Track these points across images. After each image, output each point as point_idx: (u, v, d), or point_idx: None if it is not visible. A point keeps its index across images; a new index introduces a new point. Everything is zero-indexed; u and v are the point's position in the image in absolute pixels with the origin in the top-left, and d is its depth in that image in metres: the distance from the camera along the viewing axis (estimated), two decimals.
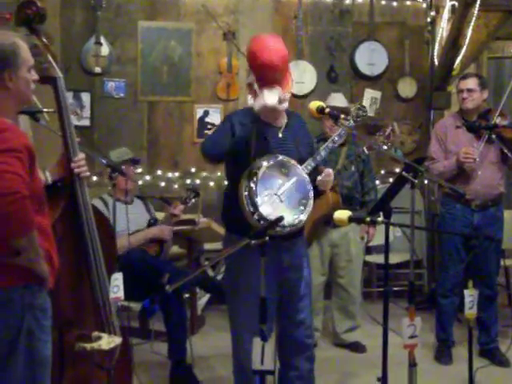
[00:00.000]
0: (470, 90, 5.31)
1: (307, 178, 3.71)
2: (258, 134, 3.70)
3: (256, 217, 3.52)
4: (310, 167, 3.76)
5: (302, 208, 3.67)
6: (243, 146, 3.62)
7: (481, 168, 5.23)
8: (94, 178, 6.79)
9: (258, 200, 3.52)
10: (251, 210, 3.53)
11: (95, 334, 3.28)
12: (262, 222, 3.47)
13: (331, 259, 5.60)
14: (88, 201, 3.42)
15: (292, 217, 3.62)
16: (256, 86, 3.66)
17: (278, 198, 3.60)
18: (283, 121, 3.85)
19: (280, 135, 3.80)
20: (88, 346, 3.22)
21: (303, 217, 3.67)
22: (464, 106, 5.35)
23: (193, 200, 5.47)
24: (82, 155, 3.42)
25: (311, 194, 3.72)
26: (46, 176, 3.34)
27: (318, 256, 5.53)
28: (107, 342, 3.25)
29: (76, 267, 3.40)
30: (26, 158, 2.69)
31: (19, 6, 3.27)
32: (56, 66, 3.37)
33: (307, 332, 4.00)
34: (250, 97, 3.79)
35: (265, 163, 3.59)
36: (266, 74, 3.64)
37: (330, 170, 3.82)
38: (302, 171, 3.70)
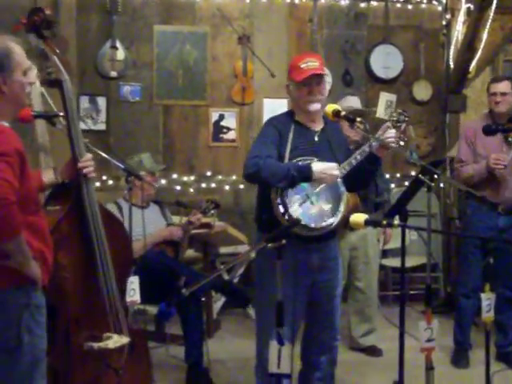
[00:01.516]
0: (503, 94, 5.28)
1: (340, 181, 3.72)
2: (295, 136, 3.74)
3: (286, 217, 3.55)
4: (344, 171, 3.75)
5: (333, 211, 3.69)
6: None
7: (511, 174, 5.19)
8: (110, 182, 6.83)
9: (288, 201, 3.56)
10: (282, 211, 3.57)
11: (106, 334, 3.31)
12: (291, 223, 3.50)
13: (349, 262, 5.58)
14: (95, 201, 3.46)
15: (322, 219, 3.64)
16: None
17: (309, 200, 3.63)
18: (320, 125, 3.88)
19: (316, 138, 3.84)
20: (95, 345, 3.26)
21: (333, 220, 3.69)
22: (497, 109, 5.30)
23: (212, 211, 5.48)
24: (89, 156, 3.49)
25: (344, 197, 3.73)
26: (56, 176, 3.41)
27: None
28: (114, 341, 3.28)
29: (83, 266, 3.43)
30: (16, 162, 2.73)
31: (29, 13, 3.36)
32: (63, 70, 3.44)
33: (334, 334, 4.02)
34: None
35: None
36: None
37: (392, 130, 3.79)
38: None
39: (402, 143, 3.84)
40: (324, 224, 3.67)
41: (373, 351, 5.67)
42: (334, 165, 3.69)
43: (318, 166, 3.64)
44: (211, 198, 6.05)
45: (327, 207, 3.70)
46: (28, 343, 2.82)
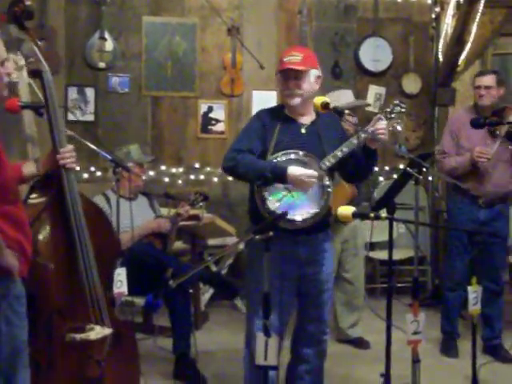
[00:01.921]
0: (487, 87, 5.32)
1: (324, 173, 3.71)
2: (281, 129, 3.74)
3: (266, 210, 3.56)
4: (328, 163, 3.73)
5: (316, 203, 3.68)
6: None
7: (494, 167, 5.24)
8: (98, 173, 6.81)
9: (267, 194, 3.56)
10: (260, 203, 3.58)
11: (89, 325, 3.32)
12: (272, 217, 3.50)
13: (339, 254, 5.58)
14: (76, 192, 3.45)
15: (304, 211, 3.64)
16: None
17: (290, 193, 3.62)
18: (310, 118, 3.88)
19: (303, 131, 3.83)
20: (77, 336, 3.26)
21: (315, 211, 3.67)
22: (481, 102, 5.35)
23: (200, 203, 5.48)
24: (69, 147, 3.48)
25: (329, 189, 3.73)
26: (37, 168, 3.40)
27: None
28: (96, 332, 3.29)
29: (65, 257, 3.43)
30: None
31: (9, 4, 3.36)
32: (43, 60, 3.44)
33: (323, 327, 4.02)
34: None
35: (278, 159, 3.64)
36: None
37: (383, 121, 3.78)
38: (318, 167, 3.70)
39: (399, 128, 3.84)
40: (306, 216, 3.66)
41: (360, 343, 5.68)
42: (311, 173, 3.65)
43: (293, 170, 3.61)
44: (200, 189, 6.06)
45: (310, 200, 3.69)
46: (6, 334, 2.80)
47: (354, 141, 3.77)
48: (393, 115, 3.82)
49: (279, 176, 3.59)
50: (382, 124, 3.72)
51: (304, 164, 3.67)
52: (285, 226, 3.58)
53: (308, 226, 3.70)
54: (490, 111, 5.32)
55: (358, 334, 5.74)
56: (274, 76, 4.06)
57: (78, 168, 3.57)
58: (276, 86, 4.00)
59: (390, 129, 3.86)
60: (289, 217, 3.53)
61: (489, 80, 5.34)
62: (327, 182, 3.73)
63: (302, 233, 3.73)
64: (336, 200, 4.39)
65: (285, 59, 3.80)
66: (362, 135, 3.75)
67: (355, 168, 3.87)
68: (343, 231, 5.52)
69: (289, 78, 3.78)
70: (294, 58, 3.79)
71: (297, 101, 3.79)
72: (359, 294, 5.74)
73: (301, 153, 3.70)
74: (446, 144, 5.48)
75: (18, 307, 2.87)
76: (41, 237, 3.30)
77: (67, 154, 3.45)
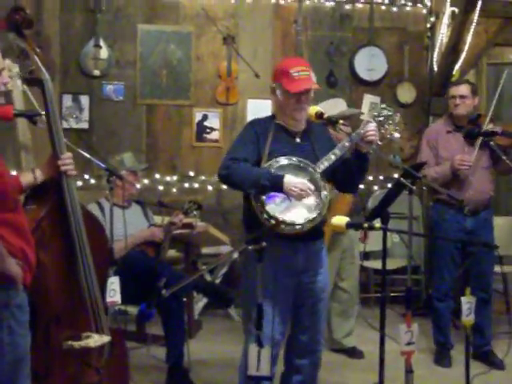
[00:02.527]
0: (462, 97, 5.39)
1: (319, 177, 3.70)
2: (274, 138, 3.72)
3: (265, 216, 3.54)
4: (323, 166, 3.73)
5: (313, 208, 3.67)
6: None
7: (474, 174, 5.28)
8: (92, 181, 6.81)
9: (265, 199, 3.54)
10: (259, 209, 3.55)
11: (85, 333, 3.31)
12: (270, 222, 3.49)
13: (338, 264, 5.57)
14: (76, 199, 3.45)
15: (302, 216, 3.62)
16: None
17: (286, 197, 3.61)
18: (302, 126, 3.87)
19: (298, 140, 3.83)
20: (76, 344, 3.26)
21: (313, 215, 3.65)
22: (456, 111, 5.42)
23: (194, 212, 5.46)
24: (68, 154, 3.49)
25: (325, 194, 3.72)
26: (35, 175, 3.40)
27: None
28: (95, 340, 3.28)
29: (65, 265, 3.43)
30: None
31: (9, 12, 3.37)
32: (44, 69, 3.44)
33: (317, 337, 4.01)
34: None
35: (275, 164, 3.62)
36: None
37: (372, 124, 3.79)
38: (314, 170, 3.69)
39: (397, 135, 3.85)
40: (305, 220, 3.64)
41: (354, 353, 5.67)
42: (306, 184, 3.65)
43: (290, 179, 3.60)
44: (193, 198, 6.05)
45: (308, 204, 3.67)
46: (9, 343, 2.79)
47: (346, 143, 3.78)
48: (381, 118, 3.84)
49: (275, 184, 3.58)
50: (372, 126, 3.74)
51: (299, 168, 3.67)
52: (284, 230, 3.56)
53: (305, 233, 3.68)
54: (466, 120, 5.38)
55: (352, 343, 5.73)
56: (268, 85, 4.00)
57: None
58: (273, 96, 3.91)
59: (388, 136, 3.87)
60: (288, 220, 3.52)
61: (463, 90, 5.41)
62: (325, 191, 3.72)
63: (299, 241, 3.72)
64: (337, 210, 4.40)
65: (295, 74, 3.73)
66: (354, 138, 3.75)
67: (347, 175, 3.86)
68: (342, 241, 5.51)
69: (301, 93, 3.77)
70: (305, 74, 3.77)
71: (304, 114, 3.79)
72: (354, 303, 5.74)
73: (295, 158, 3.69)
74: (425, 155, 5.52)
75: (20, 316, 2.86)
76: (41, 245, 3.29)
77: (67, 161, 3.46)
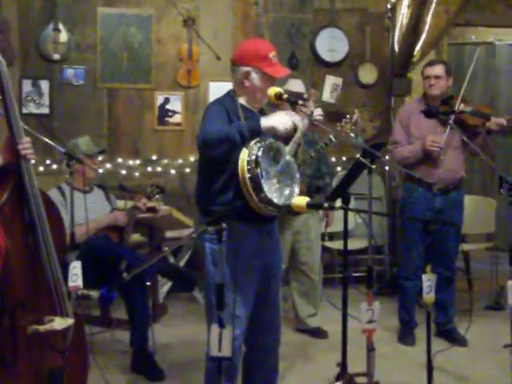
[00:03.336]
0: (437, 77, 5.42)
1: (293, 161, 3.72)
2: (244, 119, 3.69)
3: (262, 195, 3.48)
4: (293, 148, 3.74)
5: (294, 185, 3.67)
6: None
7: (445, 153, 5.31)
8: (54, 166, 6.76)
9: (264, 183, 3.50)
10: (255, 193, 3.49)
11: (48, 317, 3.29)
12: (265, 205, 3.49)
13: (292, 246, 5.61)
14: (35, 183, 3.41)
15: (285, 197, 3.61)
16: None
17: (275, 179, 3.59)
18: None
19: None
20: (41, 327, 3.24)
21: (297, 191, 3.66)
22: (430, 92, 5.45)
23: (157, 196, 5.44)
24: (27, 139, 3.43)
25: (297, 174, 3.72)
26: None
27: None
28: (59, 323, 3.27)
29: (26, 250, 3.40)
30: None
31: None
32: None
33: (279, 314, 4.05)
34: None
35: (259, 145, 3.57)
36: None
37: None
38: (286, 151, 3.69)
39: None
40: (289, 199, 3.62)
41: (318, 333, 5.71)
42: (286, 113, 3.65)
43: (265, 121, 3.57)
44: (156, 182, 6.03)
45: (287, 184, 3.67)
46: None
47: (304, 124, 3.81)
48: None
49: (255, 120, 3.56)
50: (318, 111, 3.94)
51: (275, 149, 3.64)
52: (266, 210, 3.55)
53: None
54: (439, 101, 5.41)
55: (317, 323, 5.76)
56: (229, 67, 3.93)
57: (33, 161, 3.51)
58: (243, 79, 3.81)
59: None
60: (276, 200, 3.50)
61: (438, 70, 5.44)
62: (297, 174, 3.72)
63: (262, 221, 3.72)
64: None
65: (273, 58, 3.72)
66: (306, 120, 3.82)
67: None
68: (293, 222, 5.54)
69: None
70: (277, 58, 3.77)
71: None
72: (315, 286, 5.77)
73: (272, 139, 3.66)
74: (397, 134, 5.56)
75: None
76: (3, 230, 3.25)
77: (27, 145, 3.41)
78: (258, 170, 3.45)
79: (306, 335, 5.75)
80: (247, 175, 3.49)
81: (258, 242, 3.72)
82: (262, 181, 3.48)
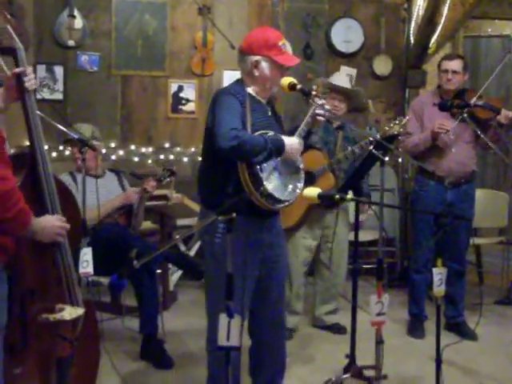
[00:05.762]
0: (454, 72, 5.39)
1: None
2: (252, 109, 3.66)
3: (262, 189, 3.48)
4: (303, 133, 3.74)
5: (297, 178, 3.67)
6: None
7: (455, 146, 5.29)
8: (67, 153, 6.76)
9: (263, 176, 3.49)
10: (255, 186, 3.48)
11: (59, 306, 3.29)
12: (265, 198, 3.49)
13: (319, 241, 5.52)
14: (49, 169, 3.35)
15: (289, 192, 3.60)
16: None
17: (277, 172, 3.58)
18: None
19: (269, 113, 3.79)
20: (51, 316, 3.24)
21: (298, 192, 3.65)
22: (447, 86, 5.41)
23: (168, 179, 5.38)
24: (30, 68, 3.34)
25: (301, 164, 3.72)
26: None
27: (307, 241, 5.46)
28: (69, 312, 3.27)
29: None
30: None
31: None
32: (16, 38, 3.34)
33: (282, 309, 4.01)
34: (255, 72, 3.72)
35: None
36: None
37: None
38: None
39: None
40: (290, 196, 3.62)
41: (338, 329, 5.60)
42: (296, 140, 3.65)
43: (287, 140, 3.58)
44: (168, 166, 5.99)
45: (290, 177, 3.66)
46: None
47: (309, 119, 3.77)
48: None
49: (279, 147, 3.53)
50: (322, 101, 3.76)
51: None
52: (268, 204, 3.54)
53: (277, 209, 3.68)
54: (453, 94, 5.38)
55: (335, 320, 5.67)
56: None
57: (46, 146, 3.46)
58: (253, 68, 3.77)
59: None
60: (278, 196, 3.50)
61: (456, 64, 5.40)
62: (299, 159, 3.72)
63: (265, 216, 3.70)
64: (321, 185, 4.41)
65: (283, 47, 3.69)
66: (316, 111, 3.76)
67: None
68: (324, 218, 5.45)
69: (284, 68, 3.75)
70: (289, 48, 3.76)
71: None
72: (338, 282, 5.64)
73: (272, 133, 3.64)
74: (411, 125, 5.51)
75: None
76: None
77: (32, 75, 3.32)
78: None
79: (317, 329, 5.70)
80: (246, 170, 3.51)
81: (256, 235, 3.69)
82: (262, 174, 3.49)
